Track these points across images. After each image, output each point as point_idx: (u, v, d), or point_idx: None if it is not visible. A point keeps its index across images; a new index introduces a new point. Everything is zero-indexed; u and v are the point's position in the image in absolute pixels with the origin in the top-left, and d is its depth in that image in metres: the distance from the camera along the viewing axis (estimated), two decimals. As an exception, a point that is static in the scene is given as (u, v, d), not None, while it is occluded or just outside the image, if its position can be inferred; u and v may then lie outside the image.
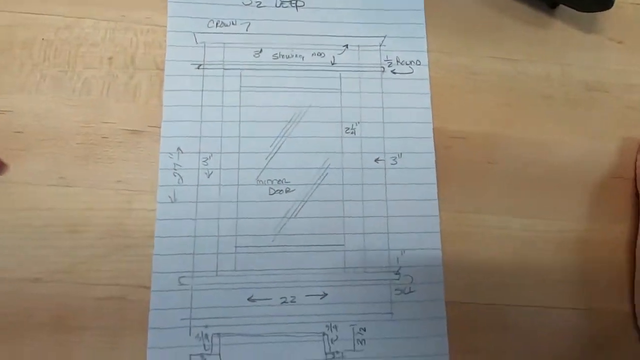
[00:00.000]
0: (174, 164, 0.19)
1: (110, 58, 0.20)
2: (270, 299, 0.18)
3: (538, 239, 0.20)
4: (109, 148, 0.19)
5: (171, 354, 0.18)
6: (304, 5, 0.22)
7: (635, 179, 0.21)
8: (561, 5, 0.22)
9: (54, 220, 0.18)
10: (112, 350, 0.18)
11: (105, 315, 0.18)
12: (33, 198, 0.18)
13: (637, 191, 0.21)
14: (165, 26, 0.21)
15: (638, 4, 0.23)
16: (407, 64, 0.21)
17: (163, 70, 0.20)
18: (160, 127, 0.20)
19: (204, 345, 0.18)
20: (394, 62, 0.21)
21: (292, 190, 0.19)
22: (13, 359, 0.17)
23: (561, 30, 0.23)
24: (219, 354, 0.18)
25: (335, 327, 0.18)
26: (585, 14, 0.22)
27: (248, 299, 0.18)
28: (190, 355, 0.18)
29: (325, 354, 0.18)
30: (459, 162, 0.21)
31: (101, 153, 0.19)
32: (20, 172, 0.19)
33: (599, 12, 0.22)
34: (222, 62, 0.20)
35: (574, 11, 0.22)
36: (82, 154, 0.19)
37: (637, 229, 0.20)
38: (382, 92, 0.21)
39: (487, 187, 0.20)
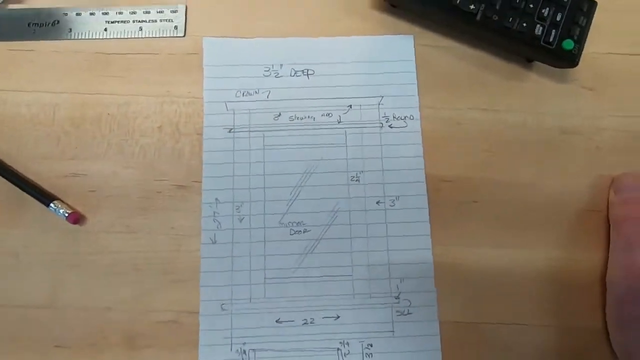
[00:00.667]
0: (214, 212, 0.24)
1: (159, 127, 0.25)
2: (294, 320, 0.23)
3: (518, 266, 0.23)
4: (162, 201, 0.24)
5: (217, 366, 0.22)
6: (314, 73, 0.26)
7: (607, 212, 0.24)
8: (537, 62, 0.26)
9: (121, 261, 0.23)
10: None
11: (164, 335, 0.22)
12: (105, 243, 0.23)
13: (609, 223, 0.24)
14: (202, 98, 0.25)
15: (608, 54, 0.26)
16: (402, 119, 0.25)
17: (201, 134, 0.25)
18: (201, 182, 0.24)
19: (242, 359, 0.22)
20: (391, 117, 0.25)
21: (309, 231, 0.24)
22: None
23: (537, 82, 0.26)
24: (254, 366, 0.22)
25: (347, 343, 0.23)
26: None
27: (276, 321, 0.23)
28: (232, 366, 0.22)
29: (339, 365, 0.22)
30: (448, 202, 0.24)
31: (156, 205, 0.24)
32: (95, 222, 0.24)
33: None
34: (248, 126, 0.25)
35: (548, 65, 0.25)
36: (141, 206, 0.24)
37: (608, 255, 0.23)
38: (381, 145, 0.25)
39: (471, 223, 0.24)
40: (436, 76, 0.26)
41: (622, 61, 0.26)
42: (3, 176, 0.23)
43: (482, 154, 0.25)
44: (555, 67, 0.25)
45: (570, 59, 0.23)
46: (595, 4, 0.23)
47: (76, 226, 0.23)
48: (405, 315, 0.23)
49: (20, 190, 0.23)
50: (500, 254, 0.24)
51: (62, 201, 0.23)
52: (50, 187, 0.24)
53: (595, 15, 0.24)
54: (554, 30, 0.23)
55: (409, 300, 0.23)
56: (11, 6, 0.26)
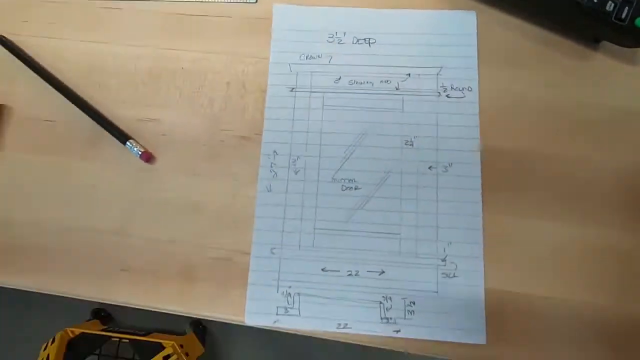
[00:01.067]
0: (271, 163, 0.25)
1: (228, 83, 0.27)
2: (339, 270, 0.24)
3: (569, 241, 0.23)
4: (225, 149, 0.26)
5: (263, 305, 0.23)
6: (375, 42, 0.27)
7: None
8: (605, 41, 0.25)
9: (185, 199, 0.25)
10: (220, 298, 0.24)
11: (217, 271, 0.24)
12: (172, 182, 0.25)
13: None
14: (267, 59, 0.27)
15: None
16: (459, 90, 0.26)
17: (265, 92, 0.26)
18: (262, 135, 0.26)
19: (287, 301, 0.23)
20: (449, 88, 0.26)
21: (360, 188, 0.25)
22: (156, 294, 0.24)
23: (604, 62, 0.25)
24: (299, 309, 0.23)
25: (390, 298, 0.23)
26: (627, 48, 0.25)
27: (322, 270, 0.24)
28: (277, 307, 0.23)
29: (381, 318, 0.23)
30: (502, 173, 0.24)
31: (220, 152, 0.26)
32: (164, 163, 0.26)
33: (640, 47, 0.25)
34: (309, 87, 0.26)
35: (617, 46, 0.25)
36: (206, 152, 0.26)
37: None
38: (437, 113, 0.25)
39: (525, 195, 0.24)
40: (498, 52, 0.26)
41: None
42: (89, 115, 0.26)
43: (540, 129, 0.25)
44: (624, 46, 0.24)
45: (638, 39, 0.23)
46: (673, -20, 0.23)
47: (147, 164, 0.26)
48: (451, 277, 0.23)
49: (101, 129, 0.26)
50: (552, 228, 0.23)
51: (137, 141, 0.26)
52: (127, 129, 0.26)
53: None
54: (627, 7, 0.23)
55: (455, 264, 0.23)
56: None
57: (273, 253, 0.24)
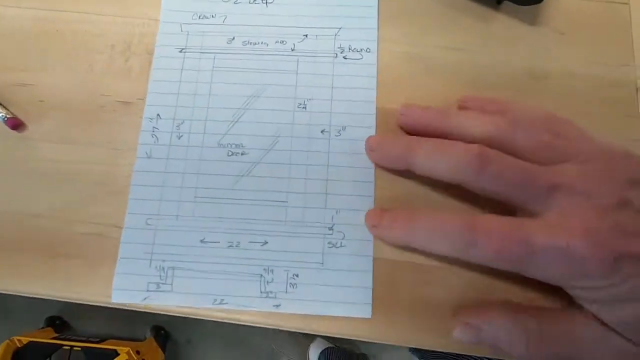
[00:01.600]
0: (153, 127, 0.23)
1: (112, 45, 0.25)
2: (219, 242, 0.22)
3: (465, 209, 0.22)
4: (104, 115, 0.23)
5: (133, 280, 0.21)
6: (273, 2, 0.25)
7: None
8: (505, 2, 0.24)
9: (56, 170, 0.23)
10: (89, 275, 0.21)
11: (87, 247, 0.22)
12: (44, 152, 0.23)
13: None
14: (157, 20, 0.25)
15: None
16: (357, 51, 0.24)
17: (152, 55, 0.24)
18: (145, 99, 0.24)
19: (160, 276, 0.21)
20: (346, 49, 0.24)
21: (247, 154, 0.23)
22: (14, 274, 0.21)
23: (506, 24, 0.24)
24: (172, 284, 0.21)
25: (272, 270, 0.21)
26: (527, 8, 0.24)
27: (200, 241, 0.22)
28: (148, 283, 0.21)
29: (261, 292, 0.21)
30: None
31: (98, 118, 0.23)
32: (36, 131, 0.23)
33: (542, 6, 0.24)
34: (200, 48, 0.24)
35: (518, 6, 0.24)
36: (83, 119, 0.23)
37: None
38: (333, 75, 0.24)
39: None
40: (399, 11, 0.25)
41: (594, 6, 0.24)
42: None
43: (440, 92, 0.23)
44: (521, 4, 0.23)
45: (534, -8, 0.22)
46: None
47: (15, 132, 0.23)
48: (338, 247, 0.21)
49: None
50: (445, 193, 0.22)
51: (4, 106, 0.23)
52: (0, 96, 0.24)
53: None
54: (519, -42, 0.21)
55: (343, 233, 0.21)
56: None
57: (148, 224, 0.22)
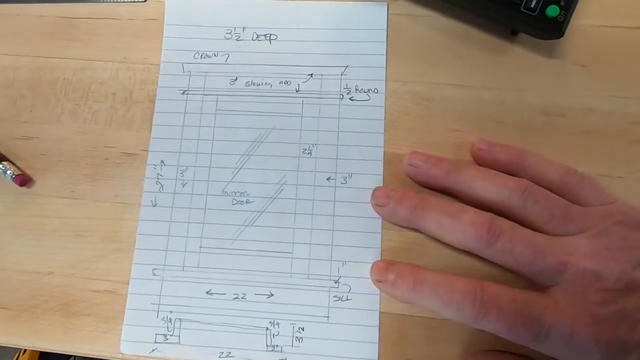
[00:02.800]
0: (157, 174, 0.23)
1: (113, 93, 0.24)
2: (225, 293, 0.22)
3: (471, 258, 0.21)
4: (109, 168, 0.23)
5: (141, 332, 0.21)
6: (277, 38, 0.24)
7: None
8: (522, 34, 0.23)
9: (65, 226, 0.23)
10: (101, 331, 0.22)
11: (99, 305, 0.22)
12: (51, 207, 0.23)
13: None
14: (158, 65, 0.24)
15: (602, 26, 0.23)
16: (365, 92, 0.23)
17: (153, 102, 0.24)
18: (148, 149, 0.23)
19: (167, 327, 0.21)
20: (353, 90, 0.23)
21: (252, 202, 0.22)
22: (32, 333, 0.22)
23: (521, 57, 0.23)
24: (179, 336, 0.21)
25: (278, 324, 0.21)
26: (547, 40, 0.22)
27: (206, 292, 0.22)
28: (156, 334, 0.21)
29: (267, 346, 0.21)
30: (407, 185, 0.22)
31: (103, 172, 0.23)
32: (43, 186, 0.23)
33: (562, 38, 0.22)
34: (202, 89, 0.24)
35: (535, 38, 0.22)
36: (89, 172, 0.23)
37: None
38: (339, 118, 0.23)
39: (429, 209, 0.22)
40: (409, 48, 0.24)
41: (620, 35, 0.23)
42: None
43: (451, 134, 0.22)
44: (540, 38, 0.22)
45: (555, 28, 0.20)
46: (590, -34, 0.20)
47: (24, 188, 0.23)
48: (344, 301, 0.21)
49: None
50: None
51: (12, 162, 0.23)
52: (4, 149, 0.24)
53: (592, -18, 0.21)
54: (537, -5, 0.20)
55: (349, 286, 0.21)
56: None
57: (155, 274, 0.22)
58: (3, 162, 0.23)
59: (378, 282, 0.20)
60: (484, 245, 0.17)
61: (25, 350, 0.69)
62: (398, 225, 0.21)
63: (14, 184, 0.23)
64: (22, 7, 0.26)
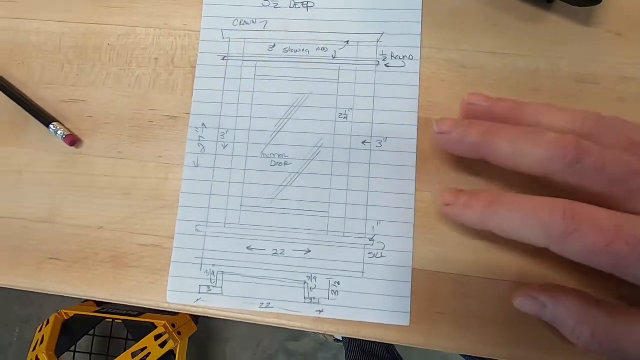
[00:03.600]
0: (199, 136, 0.24)
1: (156, 59, 0.25)
2: (265, 249, 0.23)
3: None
4: (153, 130, 0.24)
5: (186, 283, 0.23)
6: (314, 5, 0.25)
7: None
8: (558, 1, 0.23)
9: (112, 184, 0.24)
10: (153, 283, 0.23)
11: (146, 257, 0.23)
12: (99, 167, 0.24)
13: None
14: (198, 31, 0.25)
15: (645, -1, 0.23)
16: (400, 59, 0.24)
17: (194, 67, 0.25)
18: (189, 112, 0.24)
19: (210, 279, 0.23)
20: (389, 57, 0.24)
21: (290, 164, 0.23)
22: (84, 283, 0.23)
23: (556, 25, 0.23)
24: (222, 287, 0.23)
25: (315, 278, 0.22)
26: (582, 8, 0.23)
27: (247, 248, 0.23)
28: (200, 285, 0.23)
29: (304, 298, 0.22)
30: (441, 150, 0.23)
31: (147, 134, 0.24)
32: (91, 147, 0.25)
33: (598, 6, 0.22)
34: (242, 55, 0.25)
35: (572, 6, 0.23)
36: (134, 134, 0.24)
37: None
38: (375, 84, 0.24)
39: (461, 172, 0.22)
40: (445, 15, 0.24)
41: (661, 4, 0.23)
42: (11, 97, 0.25)
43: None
44: (577, 5, 0.22)
45: (593, -5, 0.20)
46: None
47: (73, 148, 0.24)
48: (378, 258, 0.22)
49: (26, 112, 0.25)
50: (490, 207, 0.22)
51: (61, 123, 0.25)
52: (53, 112, 0.25)
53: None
54: (578, -40, 0.20)
55: (383, 244, 0.22)
56: None
57: (198, 230, 0.23)
58: (54, 123, 0.24)
59: (446, 205, 0.19)
60: (570, 163, 0.16)
61: (48, 321, 0.73)
62: (431, 184, 0.22)
63: (64, 143, 0.24)
64: (66, -25, 0.27)
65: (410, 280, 0.22)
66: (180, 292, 0.23)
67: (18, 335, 1.00)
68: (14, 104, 0.25)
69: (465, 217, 0.19)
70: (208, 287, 0.23)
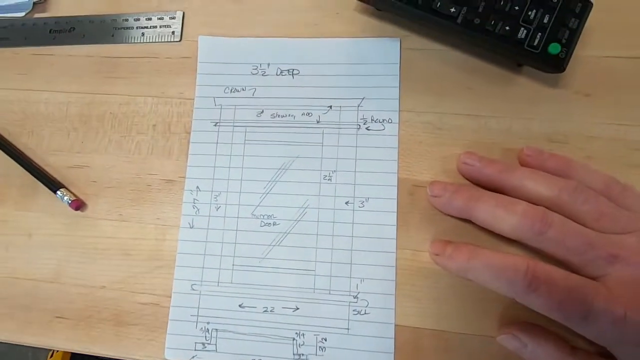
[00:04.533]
0: (194, 199, 0.26)
1: (154, 125, 0.27)
2: (256, 307, 0.24)
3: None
4: (151, 193, 0.26)
5: (183, 340, 0.24)
6: (299, 73, 0.27)
7: None
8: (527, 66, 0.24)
9: (114, 245, 0.26)
10: (152, 340, 0.24)
11: (145, 315, 0.25)
12: (102, 229, 0.26)
13: None
14: (192, 99, 0.27)
15: (606, 57, 0.24)
16: (380, 122, 0.25)
17: (189, 133, 0.27)
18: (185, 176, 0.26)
19: (205, 337, 0.24)
20: (369, 120, 0.25)
21: (278, 224, 0.25)
22: (88, 340, 0.25)
23: (526, 87, 0.25)
24: (215, 345, 0.24)
25: (303, 335, 0.23)
26: (550, 72, 0.24)
27: (239, 305, 0.24)
28: (195, 342, 0.24)
29: (293, 354, 0.23)
30: (419, 208, 0.24)
31: (146, 197, 0.26)
32: (94, 210, 0.26)
33: (567, 68, 0.24)
34: (232, 121, 0.27)
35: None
36: (134, 197, 0.26)
37: None
38: (357, 146, 0.25)
39: (441, 231, 0.24)
40: (421, 80, 0.26)
41: (622, 65, 0.24)
42: (21, 165, 0.27)
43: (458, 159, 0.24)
44: (543, 71, 0.23)
45: (556, 64, 0.22)
46: (590, 4, 0.22)
47: (78, 212, 0.26)
48: (362, 314, 0.23)
49: (35, 179, 0.27)
50: (468, 264, 0.23)
51: (68, 189, 0.27)
52: (60, 177, 0.27)
53: (593, 16, 0.22)
54: (539, 34, 0.22)
55: (367, 301, 0.23)
56: (36, 15, 0.30)
57: (193, 289, 0.25)
58: (61, 189, 0.26)
59: (435, 255, 0.22)
60: (536, 233, 0.18)
61: (54, 352, 0.74)
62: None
63: (69, 208, 0.26)
64: (72, 49, 0.29)
65: (393, 336, 0.23)
66: (178, 349, 0.24)
67: (31, 358, 1.01)
68: (26, 171, 0.27)
69: (449, 266, 0.21)
70: (203, 344, 0.24)
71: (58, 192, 0.26)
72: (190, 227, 0.25)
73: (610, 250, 0.18)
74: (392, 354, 0.23)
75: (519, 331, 0.21)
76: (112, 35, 0.29)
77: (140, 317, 0.25)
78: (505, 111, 0.25)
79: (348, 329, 0.23)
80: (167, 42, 0.28)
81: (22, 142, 0.28)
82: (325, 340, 0.23)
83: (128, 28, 0.28)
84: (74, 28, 0.29)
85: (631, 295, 0.17)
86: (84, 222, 0.26)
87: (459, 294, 0.23)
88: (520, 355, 0.21)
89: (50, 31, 0.29)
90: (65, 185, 0.27)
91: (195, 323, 0.24)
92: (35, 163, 0.27)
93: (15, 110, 0.29)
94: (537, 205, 0.20)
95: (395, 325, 0.23)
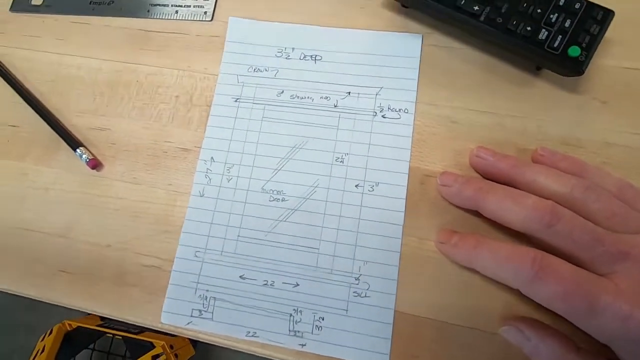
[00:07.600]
0: (207, 168, 0.26)
1: (177, 96, 0.28)
2: (256, 279, 0.24)
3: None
4: (166, 160, 0.27)
5: (180, 305, 0.24)
6: (321, 59, 0.28)
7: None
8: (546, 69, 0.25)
9: (125, 207, 0.26)
10: (146, 301, 0.25)
11: (146, 277, 0.25)
12: (115, 190, 0.27)
13: None
14: (216, 75, 0.28)
15: (627, 68, 0.24)
16: (396, 111, 0.26)
17: (210, 106, 0.27)
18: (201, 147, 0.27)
19: (203, 304, 0.24)
20: (386, 108, 0.26)
21: (287, 200, 0.25)
22: (88, 297, 0.25)
23: (544, 90, 0.25)
24: (212, 313, 0.24)
25: (301, 311, 0.23)
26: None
27: (240, 277, 0.24)
28: (192, 309, 0.24)
29: (289, 331, 0.23)
30: (429, 198, 0.24)
31: (161, 163, 0.27)
32: (110, 171, 0.27)
33: (585, 74, 0.24)
34: (252, 98, 0.27)
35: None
36: (149, 162, 0.27)
37: None
38: (371, 132, 0.26)
39: (449, 220, 0.24)
40: (440, 75, 0.26)
41: (640, 76, 0.24)
42: (47, 122, 0.28)
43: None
44: (562, 75, 0.24)
45: (575, 67, 0.22)
46: (611, 12, 0.22)
47: (95, 171, 0.27)
48: (362, 297, 0.23)
49: (58, 137, 0.28)
50: (473, 257, 0.23)
51: (87, 149, 0.27)
52: (82, 137, 0.28)
53: (614, 28, 0.22)
54: (560, 36, 0.22)
55: (368, 284, 0.23)
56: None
57: (196, 256, 0.25)
58: (80, 148, 0.27)
59: (440, 243, 0.22)
60: (544, 226, 0.18)
61: (51, 331, 0.74)
62: (417, 230, 0.23)
63: (87, 167, 0.27)
64: (109, 20, 0.30)
65: (392, 322, 0.22)
66: (174, 314, 0.24)
67: (23, 343, 1.01)
68: (50, 129, 0.28)
69: (454, 255, 0.22)
70: (200, 311, 0.24)
71: (77, 150, 0.27)
72: (201, 196, 0.26)
73: (620, 247, 0.18)
74: (389, 340, 0.22)
75: (524, 325, 0.20)
76: (148, 11, 0.30)
77: (141, 279, 0.25)
78: (521, 111, 0.25)
79: (347, 310, 0.23)
80: (199, 20, 0.29)
81: (51, 102, 0.29)
82: (323, 319, 0.23)
83: (163, 5, 0.30)
84: (112, 2, 0.31)
85: (639, 294, 0.17)
86: (99, 181, 0.27)
87: (462, 286, 0.23)
88: (521, 349, 0.20)
89: (90, 2, 0.31)
90: (86, 145, 0.28)
91: (194, 290, 0.24)
92: (59, 122, 0.28)
93: (48, 72, 0.30)
94: (549, 199, 0.19)
95: (395, 311, 0.23)
